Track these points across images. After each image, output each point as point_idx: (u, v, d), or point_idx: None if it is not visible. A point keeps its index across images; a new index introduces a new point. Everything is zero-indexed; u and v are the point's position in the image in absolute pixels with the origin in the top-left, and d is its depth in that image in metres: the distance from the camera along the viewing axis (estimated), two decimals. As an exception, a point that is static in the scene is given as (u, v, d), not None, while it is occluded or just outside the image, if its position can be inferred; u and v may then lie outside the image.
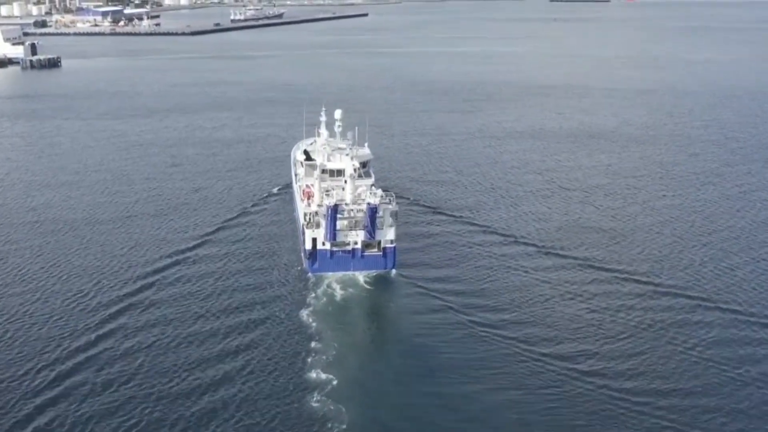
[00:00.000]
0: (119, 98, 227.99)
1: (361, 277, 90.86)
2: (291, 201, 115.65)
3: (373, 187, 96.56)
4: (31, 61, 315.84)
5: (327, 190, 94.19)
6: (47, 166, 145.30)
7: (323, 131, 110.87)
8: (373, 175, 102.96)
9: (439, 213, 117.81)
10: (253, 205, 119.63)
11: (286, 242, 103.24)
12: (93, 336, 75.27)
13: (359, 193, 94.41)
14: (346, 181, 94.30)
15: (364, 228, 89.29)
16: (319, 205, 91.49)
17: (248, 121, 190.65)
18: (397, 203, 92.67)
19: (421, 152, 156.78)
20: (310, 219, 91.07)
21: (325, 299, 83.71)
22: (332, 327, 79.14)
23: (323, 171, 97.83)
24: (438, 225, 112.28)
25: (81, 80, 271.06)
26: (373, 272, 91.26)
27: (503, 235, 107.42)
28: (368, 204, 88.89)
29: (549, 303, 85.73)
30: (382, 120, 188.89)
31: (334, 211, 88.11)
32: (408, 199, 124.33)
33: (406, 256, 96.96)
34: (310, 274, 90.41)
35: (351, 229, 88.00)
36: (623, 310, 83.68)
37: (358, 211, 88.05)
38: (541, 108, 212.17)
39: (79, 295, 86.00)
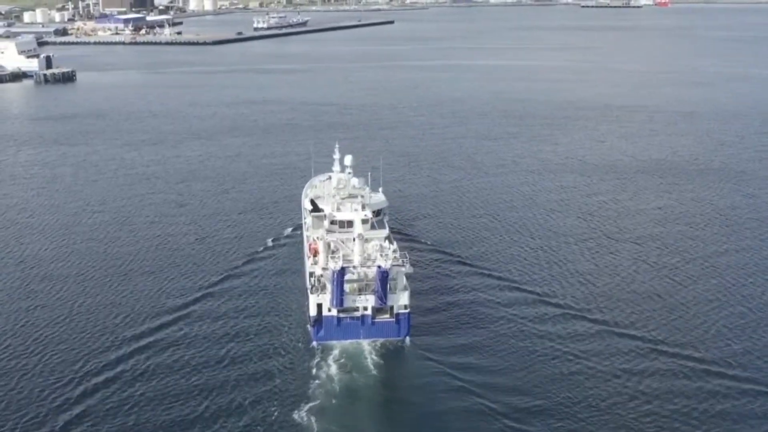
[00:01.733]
0: (131, 120, 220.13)
1: (371, 346, 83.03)
2: (300, 247, 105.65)
3: (387, 242, 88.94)
4: (45, 75, 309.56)
5: (333, 251, 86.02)
6: (45, 204, 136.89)
7: (336, 169, 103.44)
8: (387, 226, 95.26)
9: (463, 264, 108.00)
10: (263, 249, 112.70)
11: (291, 298, 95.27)
12: (77, 405, 72.89)
13: (369, 254, 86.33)
14: (354, 239, 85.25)
15: (375, 293, 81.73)
16: (324, 269, 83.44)
17: (265, 149, 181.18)
18: (411, 265, 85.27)
19: (447, 189, 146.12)
20: (314, 283, 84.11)
21: (329, 373, 78.01)
22: (335, 409, 71.78)
23: (332, 222, 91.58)
24: (462, 280, 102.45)
25: (94, 98, 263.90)
26: (385, 340, 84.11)
27: (538, 296, 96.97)
28: (379, 268, 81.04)
29: (591, 392, 75.34)
30: (403, 148, 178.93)
31: (341, 275, 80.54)
32: (427, 244, 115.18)
33: (423, 319, 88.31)
34: (314, 343, 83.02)
35: (360, 294, 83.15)
36: (683, 405, 72.26)
37: (367, 275, 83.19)
38: (580, 134, 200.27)
39: (63, 364, 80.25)
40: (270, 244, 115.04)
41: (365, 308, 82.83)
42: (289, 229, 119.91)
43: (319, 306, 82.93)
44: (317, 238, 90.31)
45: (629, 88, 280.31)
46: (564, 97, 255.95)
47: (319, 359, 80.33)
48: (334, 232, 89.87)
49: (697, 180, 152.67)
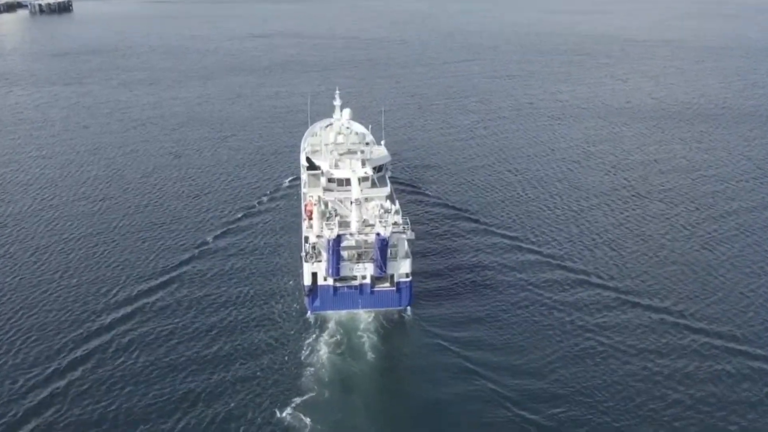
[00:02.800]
0: (128, 56, 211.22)
1: (369, 317, 77.34)
2: (299, 201, 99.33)
3: (388, 202, 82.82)
4: (40, 5, 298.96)
5: (328, 217, 79.37)
6: (33, 155, 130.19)
7: (336, 116, 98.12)
8: (389, 183, 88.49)
9: (472, 221, 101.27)
10: (261, 203, 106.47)
11: (288, 260, 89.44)
12: (67, 369, 69.05)
13: (368, 218, 79.97)
14: (352, 203, 78.84)
15: (373, 261, 76.11)
16: (319, 236, 77.26)
17: (267, 90, 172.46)
18: (414, 230, 78.67)
19: (457, 136, 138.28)
20: (309, 250, 78.34)
21: (324, 347, 72.59)
22: (329, 387, 66.21)
23: (329, 180, 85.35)
24: (470, 241, 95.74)
25: (90, 31, 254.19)
26: (385, 310, 78.47)
27: (554, 260, 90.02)
28: (378, 235, 75.07)
29: (610, 375, 68.81)
30: (412, 88, 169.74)
31: (337, 243, 74.86)
32: (433, 199, 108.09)
33: (426, 285, 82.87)
34: (309, 314, 77.66)
35: (358, 262, 77.51)
36: (713, 392, 66.03)
37: (365, 242, 77.31)
38: (601, 72, 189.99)
39: (51, 329, 75.13)
40: (268, 197, 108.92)
41: (363, 277, 77.63)
42: (288, 180, 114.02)
43: (314, 275, 77.63)
44: (312, 198, 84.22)
45: (652, 21, 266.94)
46: (584, 31, 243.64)
47: (314, 331, 75.11)
48: (332, 190, 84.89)
49: (728, 126, 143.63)
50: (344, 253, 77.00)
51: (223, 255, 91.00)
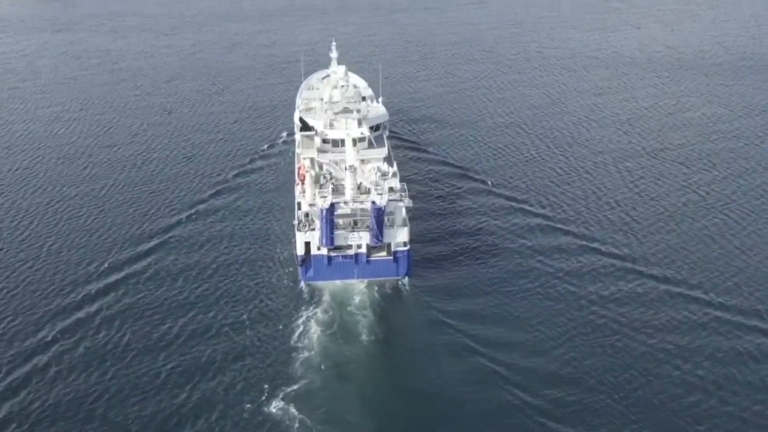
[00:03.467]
0: (121, 1, 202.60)
1: (365, 287, 74.27)
2: (294, 158, 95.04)
3: (385, 164, 79.27)
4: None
5: (322, 184, 75.85)
6: (17, 108, 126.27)
7: (333, 68, 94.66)
8: (387, 143, 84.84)
9: (475, 181, 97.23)
10: (254, 159, 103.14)
11: (281, 223, 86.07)
12: (50, 335, 67.06)
13: (363, 182, 76.03)
14: (346, 170, 74.77)
15: (369, 230, 72.91)
16: (311, 205, 73.91)
17: (264, 38, 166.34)
18: (411, 198, 75.33)
19: (462, 88, 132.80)
20: (302, 218, 75.23)
21: (316, 324, 68.91)
22: (321, 367, 62.99)
23: (324, 141, 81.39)
24: (473, 203, 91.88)
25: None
26: (381, 280, 75.36)
27: (563, 227, 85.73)
28: (373, 204, 71.38)
29: (618, 357, 65.02)
30: (416, 36, 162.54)
31: (330, 212, 71.39)
32: (434, 157, 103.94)
33: (426, 251, 79.82)
34: (303, 284, 74.68)
35: (353, 230, 73.90)
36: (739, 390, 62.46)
37: (360, 210, 73.88)
38: (613, 17, 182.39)
39: (33, 299, 72.51)
40: (262, 154, 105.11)
41: (359, 246, 74.34)
42: (284, 135, 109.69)
43: (307, 244, 74.44)
44: (305, 162, 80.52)
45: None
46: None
47: (307, 305, 71.89)
48: (327, 152, 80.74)
49: (747, 77, 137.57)
50: (339, 221, 73.73)
51: (215, 218, 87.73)
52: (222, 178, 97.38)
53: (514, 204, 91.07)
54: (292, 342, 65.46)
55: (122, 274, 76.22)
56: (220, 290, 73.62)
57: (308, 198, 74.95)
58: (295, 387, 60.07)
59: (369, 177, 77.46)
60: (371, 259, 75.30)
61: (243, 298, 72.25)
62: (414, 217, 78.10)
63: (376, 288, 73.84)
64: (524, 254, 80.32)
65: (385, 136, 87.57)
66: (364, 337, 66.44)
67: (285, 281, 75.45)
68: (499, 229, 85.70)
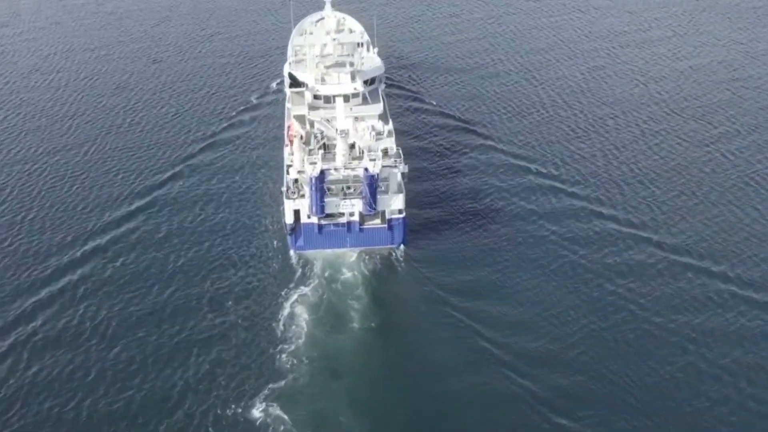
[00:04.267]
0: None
1: (357, 257, 71.11)
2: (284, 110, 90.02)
3: (380, 122, 75.79)
4: None
5: (310, 150, 71.89)
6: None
7: (327, 11, 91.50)
8: (382, 98, 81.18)
9: (476, 135, 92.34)
10: (244, 110, 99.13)
11: (270, 184, 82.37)
12: (28, 308, 65.05)
13: (355, 143, 72.40)
14: (338, 130, 70.98)
15: (362, 197, 69.88)
16: (300, 171, 70.36)
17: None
18: (406, 164, 71.56)
19: (466, 33, 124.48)
20: (290, 185, 72.16)
21: (306, 298, 65.79)
22: (308, 347, 60.12)
23: (315, 97, 76.63)
24: (476, 160, 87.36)
25: None
26: (376, 249, 72.19)
27: (573, 194, 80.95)
28: (366, 171, 68.09)
29: (626, 343, 61.16)
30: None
31: (320, 180, 68.41)
32: (435, 109, 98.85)
33: (422, 215, 76.58)
34: (292, 253, 71.64)
35: (345, 198, 70.48)
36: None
37: (353, 178, 70.76)
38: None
39: (11, 266, 70.27)
40: (252, 105, 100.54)
41: (351, 214, 70.96)
42: (276, 83, 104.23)
43: (297, 212, 71.13)
44: (295, 124, 76.11)
45: None
46: None
47: (295, 276, 68.48)
48: (318, 108, 76.49)
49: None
50: (331, 187, 70.87)
51: (202, 176, 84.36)
52: (211, 132, 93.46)
53: (519, 162, 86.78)
54: (278, 329, 61.86)
55: (104, 240, 73.20)
56: (206, 261, 70.45)
57: (297, 164, 71.05)
58: (281, 383, 56.63)
59: (363, 137, 73.53)
60: (364, 227, 72.24)
61: (228, 271, 69.07)
62: (411, 178, 74.05)
63: (369, 258, 70.54)
64: (529, 220, 76.58)
65: (380, 90, 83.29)
66: (355, 324, 62.69)
67: (273, 251, 72.33)
68: (503, 190, 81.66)
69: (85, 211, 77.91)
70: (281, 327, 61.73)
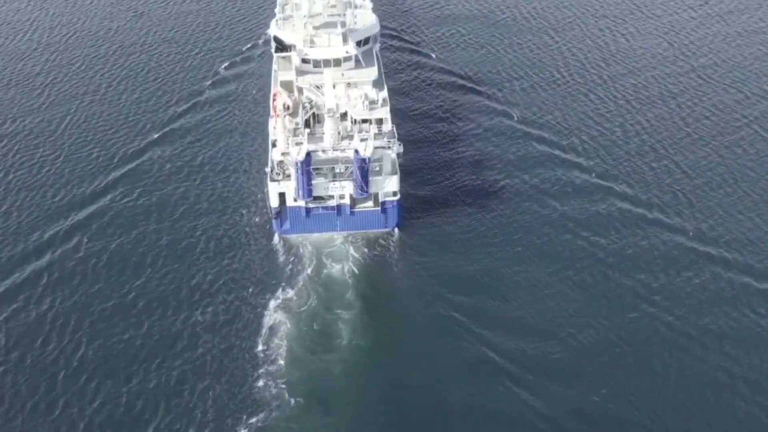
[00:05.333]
0: None
1: (346, 240, 66.55)
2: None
3: (374, 89, 70.44)
4: None
5: (296, 128, 66.69)
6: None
7: None
8: (377, 59, 76.24)
9: (480, 96, 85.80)
10: (227, 68, 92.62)
11: (258, 151, 77.23)
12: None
13: (346, 113, 67.60)
14: (327, 109, 65.10)
15: (353, 180, 65.29)
16: (284, 153, 65.37)
17: None
18: (401, 143, 66.62)
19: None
20: (274, 167, 67.14)
21: (292, 274, 62.41)
22: (295, 322, 57.01)
23: (304, 60, 71.14)
24: (476, 125, 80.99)
25: None
26: (368, 232, 67.50)
27: (583, 166, 74.93)
28: (356, 153, 63.26)
29: (638, 348, 56.04)
30: None
31: (307, 163, 63.44)
32: (436, 64, 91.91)
33: (420, 190, 71.74)
34: (277, 236, 67.49)
35: (334, 180, 65.87)
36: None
37: (343, 161, 65.09)
38: None
39: None
40: (239, 60, 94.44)
41: (341, 197, 66.49)
42: (262, 40, 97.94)
43: (282, 195, 66.51)
44: (280, 94, 70.67)
45: None
46: None
47: (280, 255, 64.71)
48: (307, 72, 71.48)
49: None
50: (320, 168, 66.09)
51: (185, 142, 79.49)
52: (196, 89, 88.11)
53: (530, 130, 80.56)
54: (258, 343, 56.28)
55: (75, 219, 68.66)
56: (182, 245, 65.70)
57: (281, 145, 65.94)
58: (261, 414, 51.57)
59: (355, 106, 68.92)
60: (356, 210, 67.83)
61: (207, 259, 64.20)
62: (405, 145, 67.87)
63: (359, 245, 65.60)
64: (538, 199, 71.01)
65: (375, 51, 77.63)
66: (342, 340, 56.36)
67: (256, 235, 67.34)
68: (509, 163, 76.14)
69: (60, 184, 73.38)
70: (262, 343, 56.18)
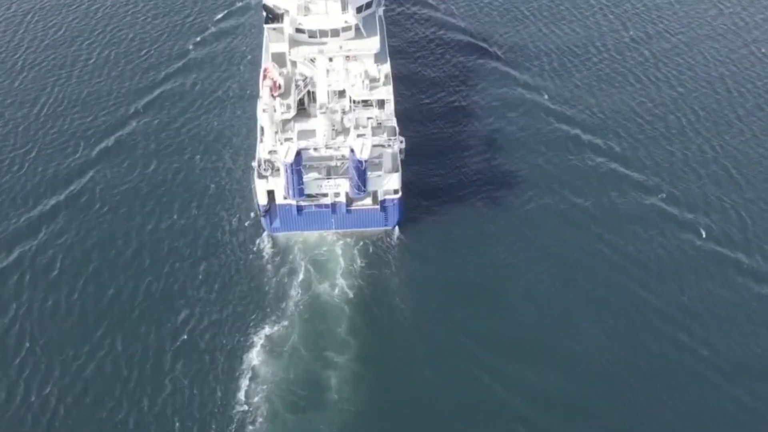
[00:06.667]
0: None
1: (341, 239, 61.49)
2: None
3: (376, 64, 64.26)
4: None
5: (284, 120, 60.89)
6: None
7: None
8: (380, 28, 68.16)
9: (492, 59, 78.40)
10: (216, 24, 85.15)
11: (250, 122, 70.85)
12: None
13: (345, 92, 61.96)
14: (318, 105, 59.69)
15: (349, 178, 59.84)
16: (272, 152, 59.54)
17: None
18: (403, 140, 60.29)
19: None
20: (261, 162, 60.97)
21: (280, 276, 58.15)
22: (284, 331, 53.16)
23: (298, 30, 64.88)
24: (497, 100, 73.73)
25: None
26: (366, 231, 62.66)
27: (603, 148, 68.40)
28: (352, 153, 57.29)
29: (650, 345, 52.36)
30: None
31: (297, 163, 57.13)
32: (440, 15, 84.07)
33: (424, 177, 65.25)
34: (265, 235, 62.62)
35: (328, 177, 60.95)
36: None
37: (338, 159, 59.84)
38: None
39: None
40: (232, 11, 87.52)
41: (337, 195, 61.38)
42: None
43: (271, 193, 61.33)
44: (272, 65, 64.23)
45: None
46: None
47: (268, 254, 60.28)
48: (301, 43, 65.11)
49: None
50: (312, 164, 60.63)
51: (168, 114, 73.09)
52: (181, 49, 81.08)
53: (550, 105, 73.36)
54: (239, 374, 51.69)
55: (49, 204, 63.81)
56: (161, 243, 60.53)
57: (268, 142, 60.16)
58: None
59: (353, 85, 63.46)
60: (352, 208, 62.63)
61: (184, 259, 59.12)
62: (407, 120, 62.61)
63: (351, 246, 60.31)
64: (556, 191, 64.72)
65: (378, 16, 70.68)
66: (332, 394, 50.37)
67: (243, 232, 62.11)
68: (524, 144, 69.52)
69: (35, 167, 68.09)
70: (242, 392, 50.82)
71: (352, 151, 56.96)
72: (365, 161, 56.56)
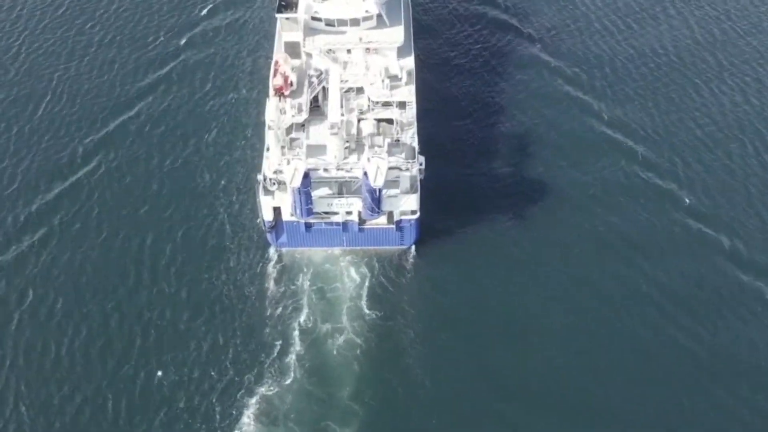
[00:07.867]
0: None
1: (353, 257, 57.60)
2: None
3: (397, 59, 59.34)
4: None
5: (293, 143, 55.98)
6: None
7: None
8: (405, 17, 63.03)
9: (532, 44, 71.43)
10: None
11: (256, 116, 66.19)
12: None
13: (362, 86, 57.45)
14: (330, 124, 54.74)
15: (362, 200, 55.52)
16: (276, 171, 54.85)
17: None
18: (423, 160, 55.63)
19: None
20: (267, 176, 56.44)
21: (290, 294, 55.33)
22: (290, 350, 50.79)
23: (314, 18, 60.34)
24: (533, 94, 67.45)
25: None
26: (380, 249, 58.70)
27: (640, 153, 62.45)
28: (365, 177, 52.24)
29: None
30: None
31: (305, 184, 53.51)
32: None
33: (445, 184, 59.44)
34: (272, 249, 58.81)
35: (339, 195, 57.14)
36: None
37: (350, 179, 55.91)
38: None
39: None
40: None
41: (348, 213, 56.85)
42: None
43: (277, 210, 57.09)
44: (286, 53, 59.47)
45: None
46: None
47: (274, 269, 56.71)
48: (318, 32, 59.72)
49: None
50: (318, 192, 56.30)
51: (171, 100, 68.63)
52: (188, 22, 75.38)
53: (590, 101, 66.30)
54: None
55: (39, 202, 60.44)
56: (156, 254, 57.21)
57: (273, 160, 55.27)
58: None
59: (372, 82, 58.67)
60: (365, 227, 58.01)
61: (181, 276, 55.71)
62: (426, 114, 56.92)
63: (363, 269, 56.00)
64: (589, 208, 58.97)
65: (404, 3, 65.09)
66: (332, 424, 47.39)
67: (246, 249, 57.91)
68: (560, 148, 63.55)
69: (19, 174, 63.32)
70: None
71: (365, 175, 51.87)
72: (379, 189, 51.68)
